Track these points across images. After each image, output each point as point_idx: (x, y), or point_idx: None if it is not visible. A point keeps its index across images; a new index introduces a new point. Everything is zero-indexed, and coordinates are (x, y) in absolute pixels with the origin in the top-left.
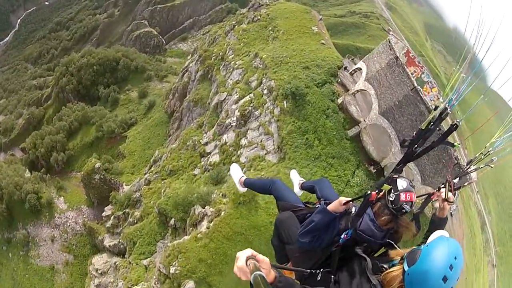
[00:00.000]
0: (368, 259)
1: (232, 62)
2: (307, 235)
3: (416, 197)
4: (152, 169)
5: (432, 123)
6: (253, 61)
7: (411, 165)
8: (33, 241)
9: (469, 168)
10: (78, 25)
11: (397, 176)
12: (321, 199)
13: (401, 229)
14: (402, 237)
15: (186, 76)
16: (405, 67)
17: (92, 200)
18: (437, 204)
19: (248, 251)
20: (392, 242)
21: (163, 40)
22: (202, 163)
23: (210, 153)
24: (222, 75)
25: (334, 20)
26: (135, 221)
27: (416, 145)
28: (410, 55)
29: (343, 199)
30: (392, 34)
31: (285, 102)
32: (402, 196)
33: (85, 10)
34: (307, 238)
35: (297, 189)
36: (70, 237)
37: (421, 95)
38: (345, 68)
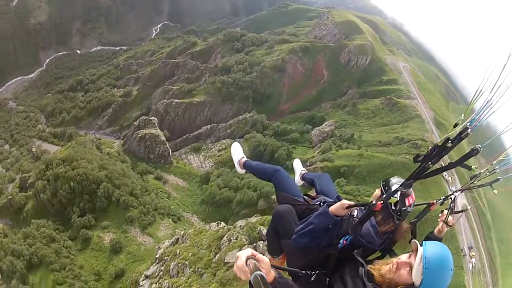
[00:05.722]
0: (365, 265)
1: None
2: (305, 236)
3: (415, 205)
4: None
5: (450, 141)
6: None
7: None
8: None
9: (472, 183)
10: (95, 94)
11: (405, 190)
12: (320, 194)
13: (398, 236)
14: (396, 243)
15: None
16: None
17: None
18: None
19: (248, 251)
20: (390, 248)
21: (169, 151)
22: None
23: None
24: None
25: (379, 157)
26: None
27: (429, 162)
28: None
29: (346, 202)
30: None
31: None
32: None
33: (108, 77)
34: (305, 239)
35: (297, 178)
36: None
37: None
38: None
